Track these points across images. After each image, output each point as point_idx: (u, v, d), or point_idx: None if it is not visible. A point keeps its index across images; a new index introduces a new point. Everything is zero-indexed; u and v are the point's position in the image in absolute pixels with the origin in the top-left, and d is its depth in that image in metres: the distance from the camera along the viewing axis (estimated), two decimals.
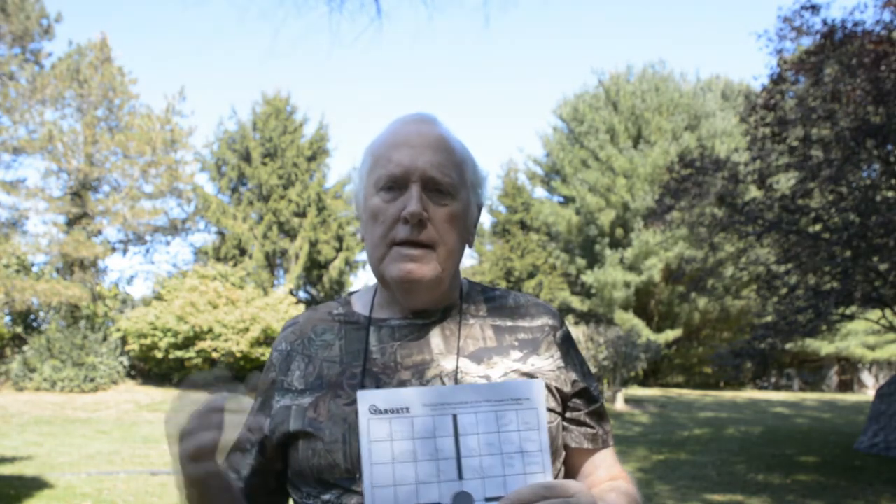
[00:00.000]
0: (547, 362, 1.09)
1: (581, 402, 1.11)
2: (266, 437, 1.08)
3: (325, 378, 1.06)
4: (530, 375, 1.06)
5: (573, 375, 1.11)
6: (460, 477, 0.88)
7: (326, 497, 1.00)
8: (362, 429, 0.88)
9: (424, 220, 1.03)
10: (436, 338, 1.09)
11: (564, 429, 1.10)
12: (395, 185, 1.05)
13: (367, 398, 0.89)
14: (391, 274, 1.04)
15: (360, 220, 1.12)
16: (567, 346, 1.14)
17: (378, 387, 1.03)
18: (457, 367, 1.05)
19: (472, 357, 1.07)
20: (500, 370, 1.06)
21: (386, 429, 0.88)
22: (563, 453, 1.10)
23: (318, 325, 1.14)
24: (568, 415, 1.10)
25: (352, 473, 0.98)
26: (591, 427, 1.12)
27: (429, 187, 1.05)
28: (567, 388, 1.09)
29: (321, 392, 1.05)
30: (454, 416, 0.90)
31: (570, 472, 1.12)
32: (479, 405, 0.90)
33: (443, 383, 1.04)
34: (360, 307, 1.15)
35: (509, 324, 1.12)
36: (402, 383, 1.04)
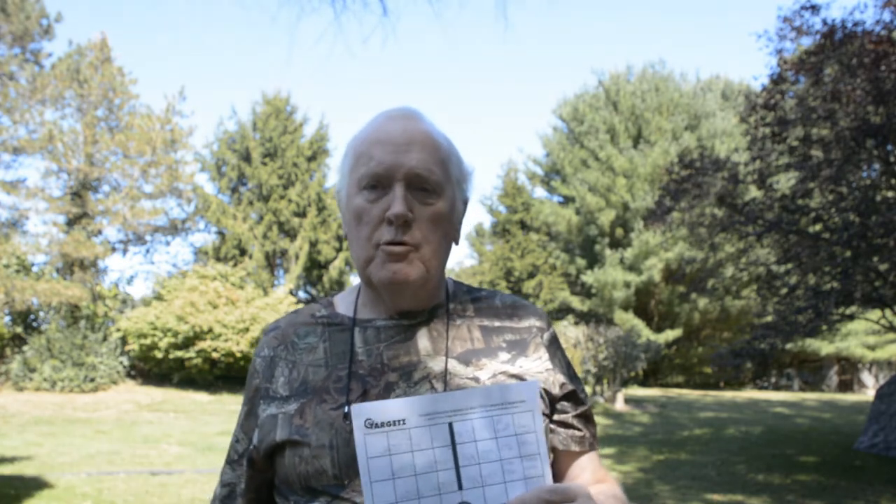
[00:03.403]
0: (535, 364, 1.07)
1: (569, 404, 1.09)
2: (253, 448, 1.05)
3: (311, 383, 1.03)
4: (519, 377, 1.04)
5: (561, 377, 1.09)
6: (460, 487, 0.85)
7: None
8: (359, 445, 0.84)
9: (409, 221, 1.00)
10: (423, 339, 1.06)
11: (551, 431, 1.08)
12: (379, 183, 1.01)
13: (361, 412, 0.85)
14: (378, 276, 1.01)
15: (344, 219, 1.09)
16: (554, 348, 1.12)
17: (365, 390, 1.01)
18: (445, 369, 1.02)
19: (459, 358, 1.04)
20: (488, 372, 1.04)
21: (383, 443, 0.85)
22: (551, 456, 1.08)
23: (300, 329, 1.10)
24: (555, 417, 1.08)
25: (340, 480, 0.95)
26: (578, 430, 1.10)
27: (413, 186, 1.01)
28: (555, 390, 1.07)
29: (306, 398, 1.02)
30: (450, 425, 0.87)
31: (556, 474, 1.10)
32: (474, 411, 0.88)
33: (431, 385, 1.01)
34: (343, 308, 1.12)
35: (497, 324, 1.10)
36: (389, 385, 1.01)
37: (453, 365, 1.04)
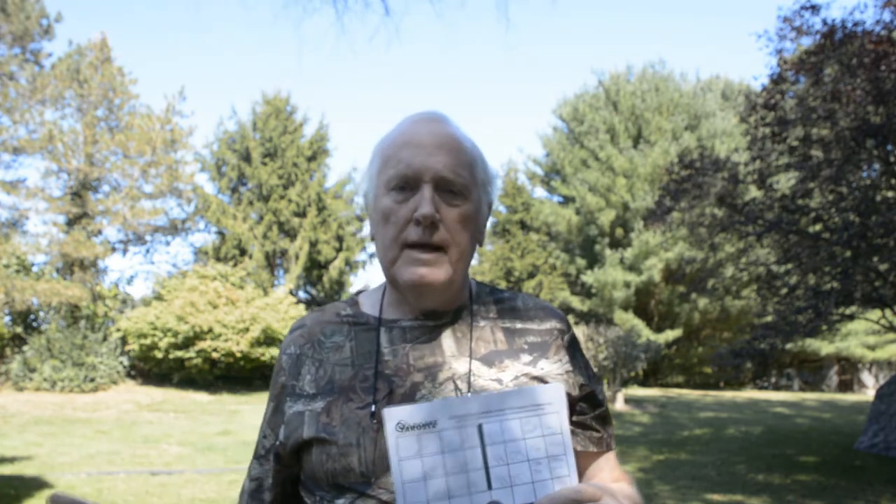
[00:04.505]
0: (555, 366, 1.09)
1: (587, 405, 1.11)
2: (280, 444, 1.08)
3: (337, 382, 1.05)
4: (540, 379, 1.06)
5: (581, 379, 1.11)
6: (489, 487, 0.88)
7: (340, 501, 1.00)
8: (391, 447, 0.87)
9: (437, 222, 1.02)
10: (447, 340, 1.08)
11: (571, 432, 1.08)
12: (407, 185, 1.04)
13: (393, 415, 0.88)
14: (403, 277, 1.03)
15: (371, 219, 1.11)
16: (574, 350, 1.13)
17: (391, 389, 1.03)
18: (469, 370, 1.04)
19: (483, 360, 1.06)
20: (511, 373, 1.06)
21: (415, 445, 0.88)
22: None
23: (326, 327, 1.12)
24: (574, 418, 1.10)
25: (367, 477, 0.98)
26: (597, 431, 1.11)
27: (441, 188, 1.03)
28: (575, 392, 1.09)
29: (333, 396, 1.04)
30: (479, 427, 0.90)
31: None
32: (503, 413, 0.90)
33: (455, 386, 1.03)
34: (368, 308, 1.14)
35: (519, 326, 1.12)
36: (415, 386, 1.03)
37: (477, 366, 1.05)
